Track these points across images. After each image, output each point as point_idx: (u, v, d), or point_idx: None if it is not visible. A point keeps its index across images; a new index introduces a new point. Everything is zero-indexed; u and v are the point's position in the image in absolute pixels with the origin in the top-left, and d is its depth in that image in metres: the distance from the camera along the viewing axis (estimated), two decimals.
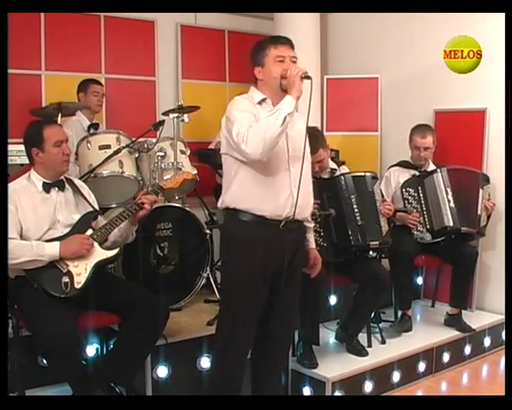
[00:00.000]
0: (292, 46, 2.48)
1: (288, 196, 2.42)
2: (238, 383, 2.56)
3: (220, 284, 2.66)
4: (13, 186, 2.62)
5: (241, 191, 2.43)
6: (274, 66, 2.42)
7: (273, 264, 2.45)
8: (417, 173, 3.91)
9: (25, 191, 2.64)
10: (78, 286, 2.52)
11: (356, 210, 3.25)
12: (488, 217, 3.90)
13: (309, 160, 2.56)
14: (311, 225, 2.75)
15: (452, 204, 3.78)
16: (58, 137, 2.66)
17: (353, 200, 3.26)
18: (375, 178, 3.42)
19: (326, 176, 3.38)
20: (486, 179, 3.94)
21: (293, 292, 2.60)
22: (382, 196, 3.49)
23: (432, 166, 3.97)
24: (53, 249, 2.53)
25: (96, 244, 2.62)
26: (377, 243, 3.30)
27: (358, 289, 3.35)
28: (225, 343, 2.53)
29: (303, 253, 2.63)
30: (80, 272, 2.55)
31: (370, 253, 3.47)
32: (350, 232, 3.23)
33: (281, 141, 2.35)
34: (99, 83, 4.19)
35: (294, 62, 2.43)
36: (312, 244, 2.75)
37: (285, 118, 2.25)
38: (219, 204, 2.54)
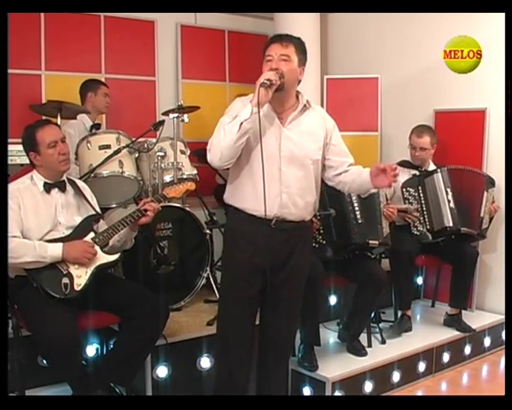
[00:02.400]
0: (283, 43, 2.37)
1: (276, 195, 2.41)
2: (240, 381, 2.55)
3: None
4: (16, 185, 2.63)
5: (233, 189, 2.49)
6: (264, 65, 2.39)
7: (262, 261, 2.42)
8: (418, 173, 3.91)
9: (27, 191, 2.64)
10: (77, 288, 2.52)
11: (357, 209, 3.26)
12: (490, 220, 3.89)
13: (312, 160, 2.48)
14: (349, 167, 2.59)
15: (452, 204, 3.77)
16: (51, 138, 2.63)
17: (354, 198, 3.27)
18: None
19: None
20: (492, 182, 3.91)
21: (293, 294, 2.57)
22: (387, 199, 3.50)
23: (432, 167, 3.96)
24: (56, 251, 2.52)
25: (97, 248, 2.62)
26: (377, 242, 3.30)
27: (357, 289, 3.35)
28: (221, 341, 2.57)
29: (303, 255, 2.55)
30: (81, 275, 2.55)
31: (370, 253, 3.48)
32: (350, 230, 3.23)
33: (274, 140, 2.39)
34: (106, 85, 4.20)
35: (285, 60, 2.36)
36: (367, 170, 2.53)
37: (241, 125, 2.25)
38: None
